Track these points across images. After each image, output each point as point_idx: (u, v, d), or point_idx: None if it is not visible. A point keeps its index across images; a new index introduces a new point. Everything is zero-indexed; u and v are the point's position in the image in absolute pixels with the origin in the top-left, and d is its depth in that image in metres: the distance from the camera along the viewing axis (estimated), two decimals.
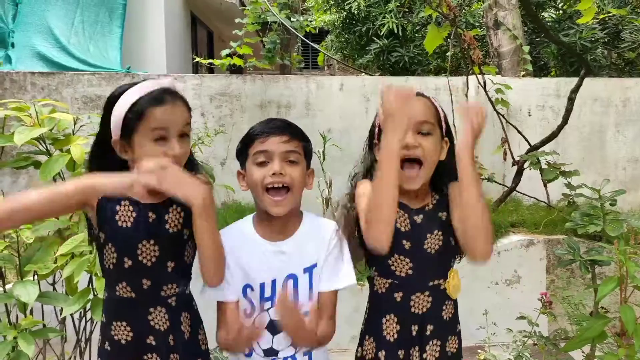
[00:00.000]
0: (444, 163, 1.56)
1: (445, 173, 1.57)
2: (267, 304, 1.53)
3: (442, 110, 1.56)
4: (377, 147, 1.56)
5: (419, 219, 1.54)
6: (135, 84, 1.45)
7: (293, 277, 1.53)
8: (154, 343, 1.48)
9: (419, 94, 1.53)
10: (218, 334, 1.56)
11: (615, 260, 1.73)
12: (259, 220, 1.58)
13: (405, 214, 1.54)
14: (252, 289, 1.53)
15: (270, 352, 1.55)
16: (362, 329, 1.66)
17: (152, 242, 1.46)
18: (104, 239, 1.47)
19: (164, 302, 1.49)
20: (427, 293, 1.54)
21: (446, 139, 1.56)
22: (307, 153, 1.55)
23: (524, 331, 2.22)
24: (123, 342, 1.47)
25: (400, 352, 1.54)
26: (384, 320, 1.56)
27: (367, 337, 1.62)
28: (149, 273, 1.47)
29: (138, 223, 1.46)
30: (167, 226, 1.48)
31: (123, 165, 1.46)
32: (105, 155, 1.48)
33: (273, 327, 1.53)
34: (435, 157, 1.51)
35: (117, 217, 1.45)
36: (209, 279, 1.48)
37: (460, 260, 1.60)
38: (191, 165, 1.57)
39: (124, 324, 1.47)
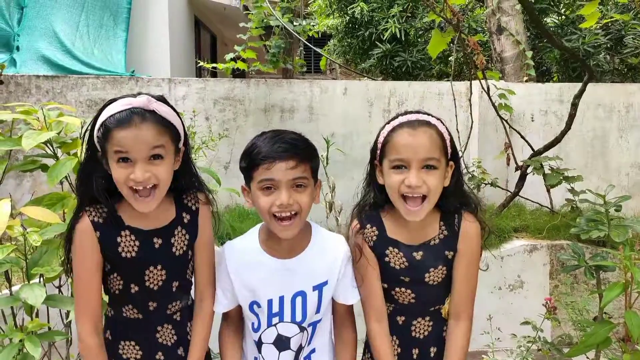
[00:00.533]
0: (448, 188, 1.51)
1: (450, 198, 1.52)
2: (275, 319, 1.52)
3: (449, 133, 1.50)
4: (379, 169, 1.52)
5: (418, 255, 1.51)
6: (115, 100, 1.38)
7: (302, 294, 1.51)
8: (162, 358, 1.50)
9: (424, 124, 1.46)
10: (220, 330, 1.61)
11: (620, 266, 1.73)
12: (265, 236, 1.53)
13: (400, 253, 1.51)
14: (259, 306, 1.51)
15: None
16: (366, 339, 1.65)
17: (159, 267, 1.46)
18: (109, 269, 1.45)
19: (170, 318, 1.51)
20: (427, 318, 1.55)
21: (451, 163, 1.50)
22: (315, 170, 1.48)
23: (528, 336, 2.22)
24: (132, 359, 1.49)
25: None
26: None
27: (367, 352, 1.63)
28: (155, 296, 1.47)
29: (144, 251, 1.44)
30: (173, 249, 1.47)
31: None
32: (96, 170, 1.41)
33: (280, 343, 1.52)
34: (439, 189, 1.46)
35: (119, 249, 1.42)
36: None
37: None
38: (189, 181, 1.52)
39: (132, 343, 1.48)
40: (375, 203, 1.57)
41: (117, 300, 1.49)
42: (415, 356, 1.55)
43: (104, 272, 1.46)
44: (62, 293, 2.00)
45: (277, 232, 1.44)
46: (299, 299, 1.51)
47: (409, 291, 1.52)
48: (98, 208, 1.43)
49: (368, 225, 1.54)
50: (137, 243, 1.43)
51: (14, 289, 1.89)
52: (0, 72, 3.07)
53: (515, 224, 4.05)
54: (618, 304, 3.31)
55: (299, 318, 1.51)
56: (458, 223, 1.53)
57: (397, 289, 1.52)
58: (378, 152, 1.51)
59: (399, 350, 1.55)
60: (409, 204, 1.44)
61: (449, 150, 1.48)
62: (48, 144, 1.88)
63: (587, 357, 1.85)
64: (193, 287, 1.58)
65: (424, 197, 1.43)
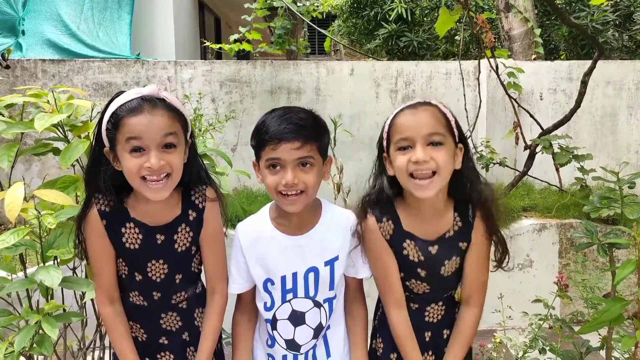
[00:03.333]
0: (460, 172, 1.48)
1: (463, 183, 1.50)
2: (289, 295, 1.54)
3: (453, 116, 1.47)
4: (387, 160, 1.50)
5: (434, 250, 1.50)
6: (122, 92, 1.39)
7: (314, 269, 1.53)
8: (166, 342, 1.54)
9: (424, 104, 1.45)
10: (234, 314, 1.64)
11: (633, 243, 1.72)
12: (276, 214, 1.56)
13: (417, 246, 1.51)
14: (273, 283, 1.54)
15: (293, 344, 1.56)
16: (375, 324, 1.67)
17: (161, 261, 1.48)
18: (116, 254, 1.49)
19: (175, 307, 1.53)
20: (440, 303, 1.56)
21: (460, 145, 1.47)
22: (324, 148, 1.49)
23: (539, 314, 2.23)
24: (139, 339, 1.54)
25: None
26: None
27: (377, 336, 1.65)
28: (159, 287, 1.51)
29: (146, 245, 1.46)
30: (175, 246, 1.49)
31: (123, 176, 1.41)
32: (103, 165, 1.42)
33: (295, 318, 1.55)
34: (449, 166, 1.43)
35: (123, 240, 1.46)
36: None
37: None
38: (196, 174, 1.53)
39: (138, 325, 1.54)
40: (386, 196, 1.55)
41: (124, 285, 1.53)
42: (427, 339, 1.56)
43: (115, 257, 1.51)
44: (76, 275, 2.01)
45: (283, 207, 1.48)
46: (311, 275, 1.53)
47: (424, 284, 1.53)
48: (106, 197, 1.45)
49: (384, 219, 1.52)
50: (140, 237, 1.46)
51: (28, 271, 1.91)
52: (7, 57, 3.06)
53: (524, 203, 4.05)
54: (627, 281, 3.32)
55: (312, 293, 1.54)
56: (472, 214, 1.51)
57: (413, 281, 1.53)
58: (384, 142, 1.50)
59: None
60: (417, 181, 1.40)
61: (455, 132, 1.45)
62: (59, 127, 1.88)
63: (599, 334, 1.85)
64: (204, 273, 1.60)
65: (433, 173, 1.41)
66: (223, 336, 2.10)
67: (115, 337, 1.49)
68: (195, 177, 1.52)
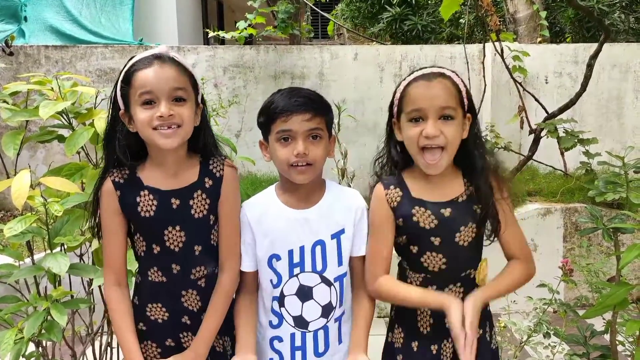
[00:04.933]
0: (467, 141, 1.49)
1: (469, 151, 1.51)
2: (297, 270, 1.55)
3: (465, 85, 1.49)
4: (397, 126, 1.52)
5: (447, 212, 1.49)
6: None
7: (321, 243, 1.55)
8: (189, 322, 1.53)
9: (439, 75, 1.46)
10: (236, 297, 1.62)
11: (638, 228, 1.72)
12: (282, 189, 1.59)
13: (428, 211, 1.49)
14: (278, 259, 1.55)
15: (301, 321, 1.56)
16: (392, 315, 1.65)
17: (177, 227, 1.48)
18: (133, 230, 1.51)
19: (194, 284, 1.52)
20: (458, 284, 1.52)
21: (469, 115, 1.49)
22: (329, 123, 1.55)
23: (544, 299, 2.23)
24: (160, 321, 1.52)
25: (433, 347, 1.54)
26: (418, 312, 1.55)
27: (396, 326, 1.62)
28: (178, 258, 1.49)
29: (161, 211, 1.47)
30: (192, 211, 1.49)
31: (138, 141, 1.47)
32: (119, 131, 1.47)
33: (303, 294, 1.55)
34: (458, 140, 1.45)
35: (139, 209, 1.47)
36: None
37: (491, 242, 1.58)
38: (209, 140, 1.55)
39: (159, 305, 1.52)
40: (395, 163, 1.57)
41: (143, 263, 1.53)
42: (447, 325, 1.46)
43: (130, 234, 1.52)
44: (83, 262, 2.03)
45: (292, 178, 1.50)
46: (318, 248, 1.54)
47: (440, 256, 1.49)
48: (120, 170, 1.49)
49: (391, 187, 1.53)
50: (155, 202, 1.47)
51: (35, 258, 1.92)
52: (10, 44, 3.06)
53: (529, 187, 4.05)
54: (632, 265, 3.33)
55: (319, 267, 1.55)
56: (483, 179, 1.50)
57: (428, 254, 1.50)
58: (395, 108, 1.52)
59: (432, 320, 1.53)
60: (428, 157, 1.43)
61: (466, 102, 1.47)
62: (63, 114, 1.88)
63: (604, 319, 1.85)
64: None
65: (442, 149, 1.43)
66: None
67: (117, 319, 1.49)
68: (210, 144, 1.56)
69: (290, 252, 1.54)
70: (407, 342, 1.57)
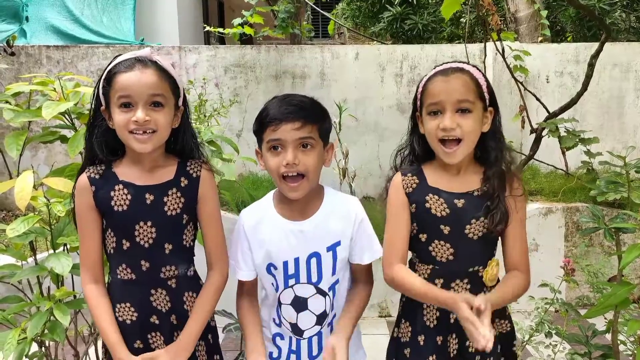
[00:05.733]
0: (487, 134, 1.52)
1: (490, 145, 1.53)
2: (292, 281, 1.55)
3: (486, 79, 1.52)
4: (420, 120, 1.55)
5: (460, 203, 1.50)
6: (120, 55, 1.48)
7: (316, 255, 1.53)
8: (157, 322, 1.52)
9: (456, 70, 1.49)
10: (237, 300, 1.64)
11: (639, 227, 1.72)
12: (279, 200, 1.58)
13: (441, 199, 1.51)
14: (276, 268, 1.55)
15: (296, 329, 1.57)
16: (399, 311, 1.66)
17: (149, 223, 1.48)
18: (105, 225, 1.51)
19: (164, 283, 1.52)
20: (465, 280, 1.52)
21: (490, 108, 1.52)
22: (324, 132, 1.52)
23: (545, 298, 2.24)
24: (128, 322, 1.51)
25: (439, 339, 1.54)
26: (424, 305, 1.56)
27: (403, 321, 1.63)
28: (147, 254, 1.49)
29: (134, 205, 1.47)
30: (165, 208, 1.49)
31: (117, 137, 1.47)
32: (99, 126, 1.50)
33: (297, 304, 1.55)
34: (476, 133, 1.48)
35: (112, 203, 1.47)
36: None
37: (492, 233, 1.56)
38: (189, 141, 1.57)
39: (128, 305, 1.51)
40: (417, 155, 1.61)
41: (113, 261, 1.53)
42: (452, 320, 1.52)
43: (102, 232, 1.52)
44: None
45: (285, 193, 1.50)
46: (313, 260, 1.54)
47: (447, 245, 1.51)
48: (97, 166, 1.51)
49: (409, 174, 1.57)
50: (129, 197, 1.48)
51: (38, 257, 1.93)
52: (12, 44, 3.05)
53: (530, 187, 4.05)
54: (634, 265, 3.33)
55: (314, 279, 1.54)
56: (500, 176, 1.51)
57: (436, 242, 1.51)
58: (418, 102, 1.56)
59: (438, 314, 1.54)
60: (446, 147, 1.47)
61: (487, 96, 1.50)
62: (66, 115, 1.89)
63: (605, 318, 1.86)
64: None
65: (458, 141, 1.46)
66: (231, 321, 2.13)
67: (97, 314, 1.49)
68: (188, 146, 1.57)
69: (285, 264, 1.54)
70: (414, 336, 1.58)
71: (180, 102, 1.53)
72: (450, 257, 1.52)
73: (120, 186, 1.48)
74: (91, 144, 1.51)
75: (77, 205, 1.51)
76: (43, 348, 1.88)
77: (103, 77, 1.45)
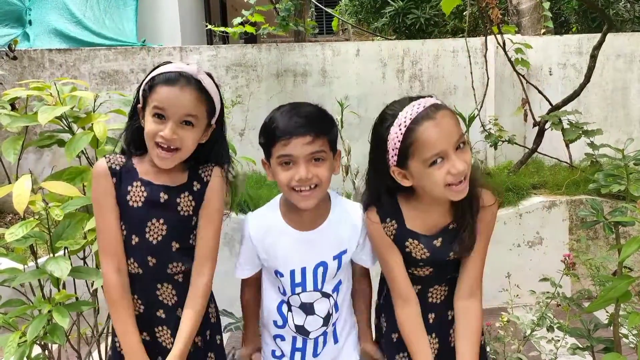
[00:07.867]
0: None
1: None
2: (298, 289, 1.55)
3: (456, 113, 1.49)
4: (400, 174, 1.43)
5: (438, 242, 1.50)
6: (170, 62, 1.50)
7: (323, 264, 1.53)
8: (163, 316, 1.53)
9: (438, 108, 1.37)
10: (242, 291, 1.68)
11: (638, 220, 1.71)
12: (287, 209, 1.55)
13: (420, 244, 1.50)
14: (281, 275, 1.55)
15: (302, 330, 1.58)
16: (379, 302, 1.68)
17: (161, 220, 1.49)
18: (119, 219, 1.51)
19: (171, 279, 1.52)
20: (443, 284, 1.55)
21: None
22: (334, 142, 1.48)
23: (547, 292, 2.23)
24: (136, 313, 1.51)
25: None
26: None
27: (382, 315, 1.66)
28: (154, 250, 1.49)
29: (149, 202, 1.48)
30: (178, 208, 1.50)
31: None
32: (136, 120, 1.51)
33: (305, 308, 1.56)
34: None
35: (128, 198, 1.48)
36: None
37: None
38: (217, 154, 1.57)
39: (135, 297, 1.52)
40: (388, 188, 1.51)
41: None
42: (431, 321, 1.55)
43: None
44: (86, 264, 2.05)
45: (296, 203, 1.47)
46: (320, 269, 1.54)
47: (428, 267, 1.52)
48: (117, 157, 1.53)
49: (387, 220, 1.51)
50: (144, 194, 1.49)
51: (39, 261, 1.94)
52: (14, 48, 3.08)
53: (534, 180, 4.03)
54: (638, 257, 3.30)
55: (319, 285, 1.55)
56: (471, 204, 1.47)
57: (418, 269, 1.53)
58: (394, 157, 1.40)
59: None
60: (456, 188, 1.38)
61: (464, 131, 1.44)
62: (63, 119, 1.90)
63: (607, 312, 1.85)
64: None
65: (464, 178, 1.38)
66: (231, 321, 2.14)
67: (120, 314, 1.46)
68: (217, 157, 1.57)
69: (292, 272, 1.54)
70: (388, 332, 1.61)
71: (214, 121, 1.53)
72: (430, 274, 1.54)
73: (139, 183, 1.49)
74: (127, 135, 1.54)
75: (96, 190, 1.49)
76: (46, 351, 1.90)
77: (146, 81, 1.47)
